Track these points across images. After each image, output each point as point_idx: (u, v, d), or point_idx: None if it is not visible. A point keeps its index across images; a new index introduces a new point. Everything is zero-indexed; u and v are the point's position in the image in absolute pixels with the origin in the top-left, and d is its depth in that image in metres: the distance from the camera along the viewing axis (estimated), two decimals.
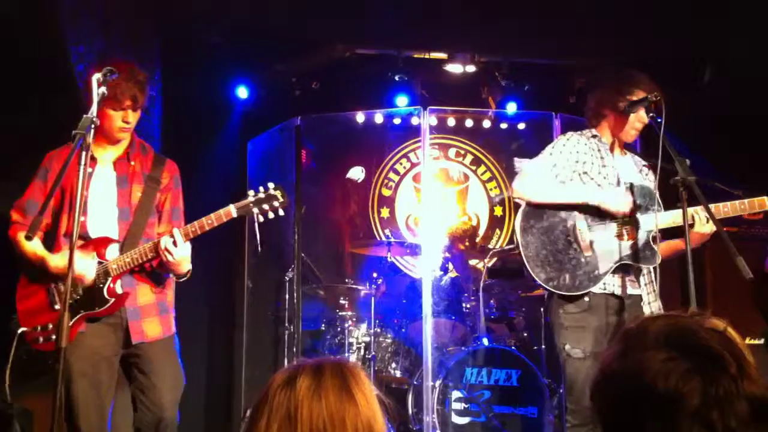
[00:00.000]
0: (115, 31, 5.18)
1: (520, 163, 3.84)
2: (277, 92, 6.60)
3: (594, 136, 3.78)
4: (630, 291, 3.63)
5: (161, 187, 3.59)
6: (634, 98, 3.61)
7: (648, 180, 3.77)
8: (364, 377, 1.62)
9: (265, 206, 3.39)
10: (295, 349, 5.59)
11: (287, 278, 6.01)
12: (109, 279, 3.37)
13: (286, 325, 5.99)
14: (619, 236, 3.61)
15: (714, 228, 3.41)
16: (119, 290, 3.40)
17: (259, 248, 3.60)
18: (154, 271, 3.51)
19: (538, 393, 5.15)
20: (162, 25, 5.62)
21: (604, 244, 3.61)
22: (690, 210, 3.43)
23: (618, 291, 3.61)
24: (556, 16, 5.52)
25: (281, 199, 3.40)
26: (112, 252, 3.41)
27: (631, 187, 3.63)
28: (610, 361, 1.27)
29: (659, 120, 3.41)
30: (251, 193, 3.40)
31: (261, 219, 3.44)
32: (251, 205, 3.38)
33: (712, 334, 1.22)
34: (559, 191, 3.64)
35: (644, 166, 3.83)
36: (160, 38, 5.67)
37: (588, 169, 3.68)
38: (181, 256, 3.35)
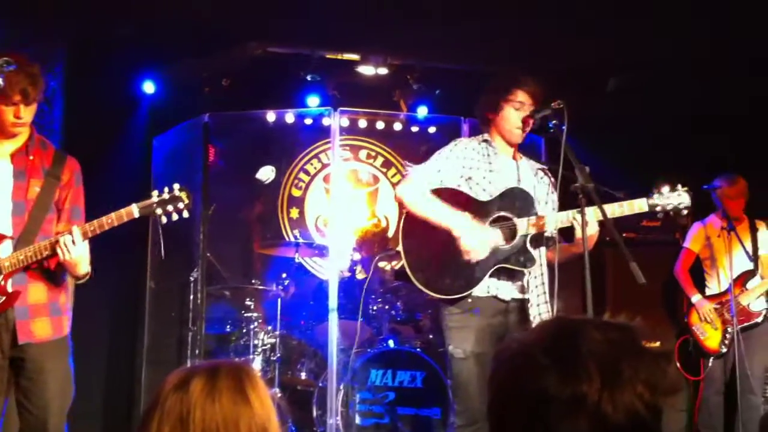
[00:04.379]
0: (16, 21, 4.99)
1: (409, 168, 3.85)
2: (186, 89, 6.46)
3: (485, 141, 3.80)
4: (515, 295, 3.67)
5: (61, 183, 3.45)
6: (513, 99, 3.66)
7: (542, 184, 3.81)
8: (259, 379, 1.61)
9: (169, 207, 3.34)
10: (197, 351, 5.48)
11: (192, 278, 5.89)
12: (0, 276, 3.22)
13: (190, 326, 5.87)
14: (497, 241, 3.64)
15: (597, 229, 3.50)
16: (9, 288, 3.25)
17: (162, 254, 3.55)
18: (50, 269, 3.38)
19: (442, 394, 5.18)
20: (67, 15, 5.42)
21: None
22: (568, 214, 3.51)
23: (502, 295, 3.64)
24: (468, 20, 5.58)
25: (186, 201, 3.35)
26: (5, 249, 3.26)
27: (512, 192, 3.66)
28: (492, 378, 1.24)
29: (562, 128, 3.45)
30: (155, 193, 3.34)
31: (164, 220, 3.37)
32: (155, 205, 3.33)
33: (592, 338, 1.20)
34: (432, 210, 3.61)
35: (539, 169, 3.85)
36: (65, 28, 5.48)
37: (473, 174, 3.69)
38: (78, 255, 3.24)
